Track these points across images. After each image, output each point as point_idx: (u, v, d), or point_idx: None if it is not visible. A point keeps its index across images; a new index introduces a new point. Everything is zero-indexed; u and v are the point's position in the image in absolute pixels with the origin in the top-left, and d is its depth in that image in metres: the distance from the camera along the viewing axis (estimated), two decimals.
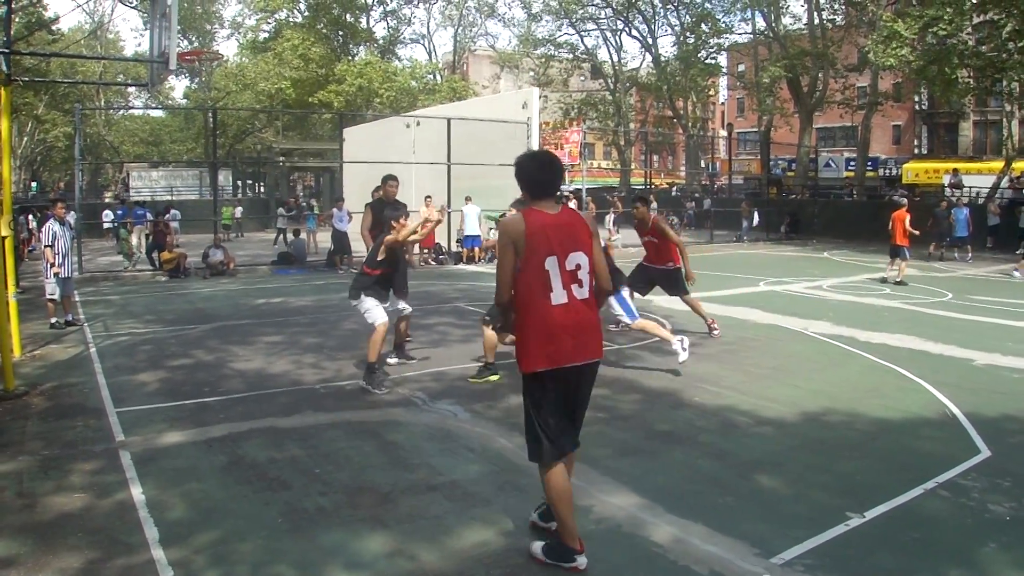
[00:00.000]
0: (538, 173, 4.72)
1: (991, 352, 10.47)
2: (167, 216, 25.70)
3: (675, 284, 11.75)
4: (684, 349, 9.27)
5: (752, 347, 10.92)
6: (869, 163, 47.64)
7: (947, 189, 35.83)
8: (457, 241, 25.11)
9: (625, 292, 9.96)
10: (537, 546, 4.64)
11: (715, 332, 11.66)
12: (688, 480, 5.95)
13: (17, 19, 27.22)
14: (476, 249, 24.37)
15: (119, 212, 30.52)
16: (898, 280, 18.10)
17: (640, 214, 11.73)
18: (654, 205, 36.82)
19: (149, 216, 26.64)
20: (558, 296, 4.48)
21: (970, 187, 35.50)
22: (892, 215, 18.88)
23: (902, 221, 18.44)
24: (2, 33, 10.25)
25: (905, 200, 19.69)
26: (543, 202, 4.66)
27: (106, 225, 32.75)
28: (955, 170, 39.38)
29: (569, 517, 4.53)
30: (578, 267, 4.54)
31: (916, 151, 54.03)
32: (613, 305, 9.60)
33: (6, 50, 10.30)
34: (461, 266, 23.35)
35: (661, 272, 11.74)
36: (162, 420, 7.42)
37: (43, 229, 13.08)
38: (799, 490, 5.73)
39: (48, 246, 12.63)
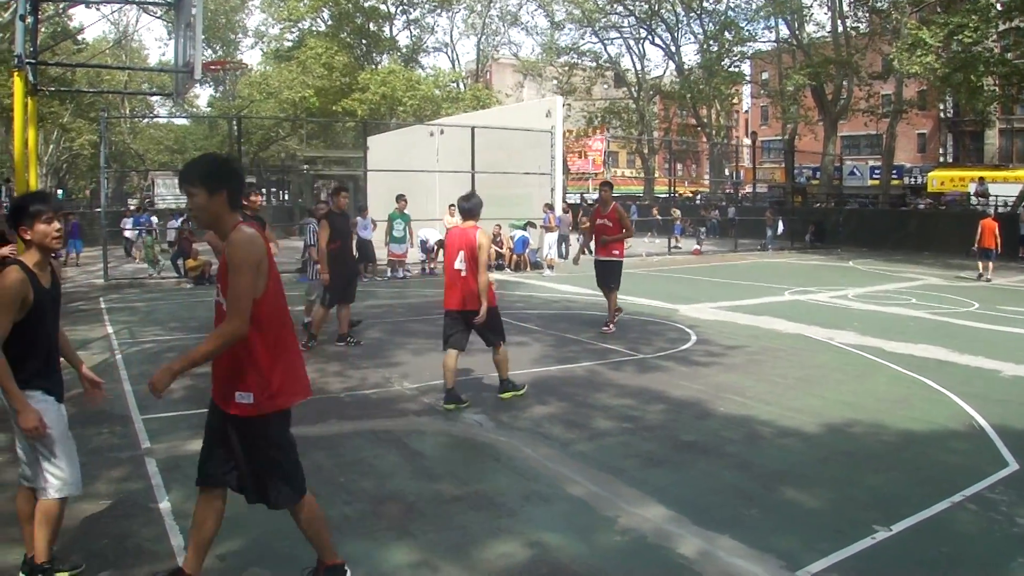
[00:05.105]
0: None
1: (1019, 363, 10.35)
2: (179, 221, 26.10)
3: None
4: None
5: (777, 357, 10.86)
6: (894, 171, 47.32)
7: (973, 198, 35.60)
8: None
9: None
10: None
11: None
12: (714, 491, 5.92)
13: (43, 29, 27.48)
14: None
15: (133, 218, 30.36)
16: (988, 278, 21.08)
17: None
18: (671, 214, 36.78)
19: (153, 221, 27.02)
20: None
21: (996, 196, 35.23)
22: (980, 223, 22.07)
23: (991, 229, 21.53)
24: (29, 44, 10.34)
25: (991, 211, 24.43)
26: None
27: (127, 234, 30.54)
28: (981, 179, 39.14)
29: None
30: None
31: (941, 159, 53.71)
32: None
33: (33, 60, 10.40)
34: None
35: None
36: (187, 427, 7.43)
37: (307, 230, 13.29)
38: (825, 502, 5.69)
39: (312, 246, 12.81)
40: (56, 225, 4.33)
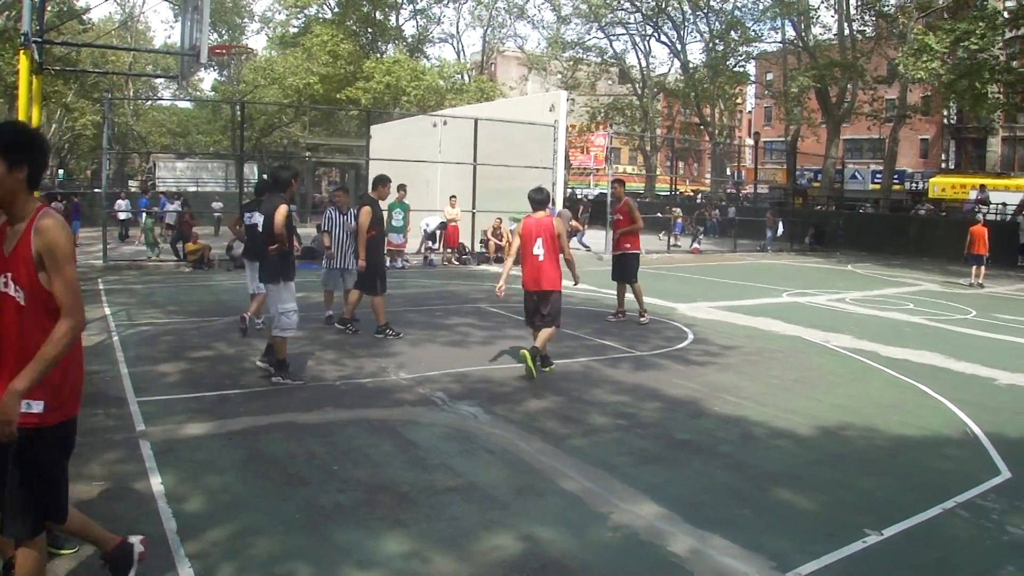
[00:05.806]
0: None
1: (1014, 372, 10.37)
2: (167, 207, 26.25)
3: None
4: None
5: (773, 359, 10.86)
6: (896, 176, 47.31)
7: (974, 205, 35.63)
8: (481, 242, 25.13)
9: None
10: None
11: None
12: (706, 490, 5.93)
13: (49, 8, 27.39)
14: None
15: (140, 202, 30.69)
16: (980, 283, 21.43)
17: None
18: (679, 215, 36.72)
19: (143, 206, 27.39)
20: None
21: (997, 204, 35.22)
22: (971, 230, 22.28)
23: (981, 235, 21.74)
24: (35, 23, 10.31)
25: (981, 217, 25.10)
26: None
27: (121, 216, 30.27)
28: (982, 186, 39.14)
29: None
30: None
31: (943, 165, 53.69)
32: None
33: (39, 39, 10.39)
34: (483, 267, 23.28)
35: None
36: (183, 411, 7.46)
37: (324, 215, 13.22)
38: (817, 504, 5.70)
39: (326, 231, 12.69)
40: None
